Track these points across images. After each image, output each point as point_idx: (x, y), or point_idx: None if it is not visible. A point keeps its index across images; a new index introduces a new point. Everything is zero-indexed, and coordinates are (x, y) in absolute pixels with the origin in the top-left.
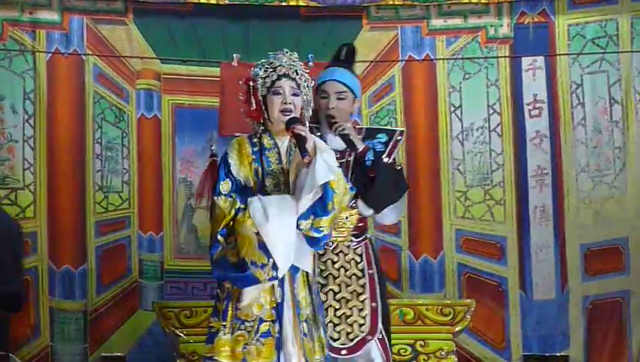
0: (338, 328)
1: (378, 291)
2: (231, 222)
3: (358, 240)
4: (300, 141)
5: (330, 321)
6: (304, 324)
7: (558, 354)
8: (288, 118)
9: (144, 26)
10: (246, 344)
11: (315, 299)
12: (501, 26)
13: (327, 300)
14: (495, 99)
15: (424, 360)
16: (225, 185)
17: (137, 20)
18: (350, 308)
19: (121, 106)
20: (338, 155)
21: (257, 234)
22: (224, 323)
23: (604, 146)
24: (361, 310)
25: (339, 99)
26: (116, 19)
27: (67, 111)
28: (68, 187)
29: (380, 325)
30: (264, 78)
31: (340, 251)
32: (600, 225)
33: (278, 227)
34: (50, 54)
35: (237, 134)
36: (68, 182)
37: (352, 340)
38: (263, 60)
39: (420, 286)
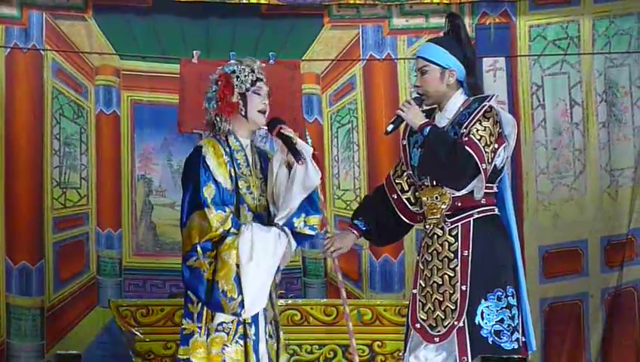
0: (434, 315)
1: (469, 274)
2: (215, 239)
3: (452, 220)
4: (288, 143)
5: (429, 308)
6: (269, 326)
7: (515, 356)
8: (273, 118)
9: (104, 22)
10: (225, 345)
11: (275, 302)
12: None
13: (425, 286)
14: None
15: (381, 360)
16: (209, 190)
17: (97, 16)
18: (441, 293)
19: (79, 102)
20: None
21: (238, 266)
22: (199, 325)
23: (564, 148)
24: (452, 294)
25: (421, 74)
26: (76, 15)
27: (25, 106)
28: (25, 182)
29: (465, 311)
30: (246, 75)
31: (434, 234)
32: (559, 227)
33: (258, 268)
34: (8, 49)
35: (196, 131)
36: (25, 178)
37: (445, 326)
38: (236, 60)
39: (381, 286)
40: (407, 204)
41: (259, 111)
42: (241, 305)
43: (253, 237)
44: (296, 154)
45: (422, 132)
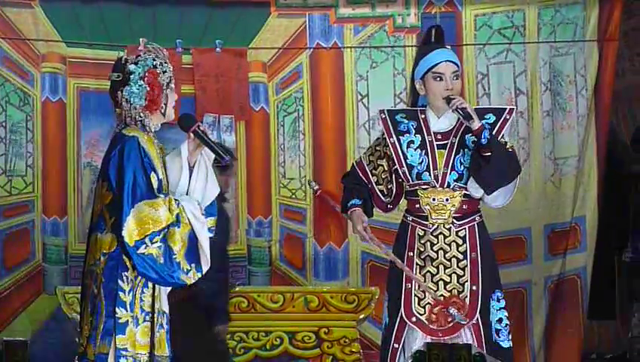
0: (435, 310)
1: (480, 275)
2: (167, 226)
3: (460, 222)
4: (208, 143)
5: (428, 303)
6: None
7: (460, 343)
8: (185, 114)
9: (50, 9)
10: (152, 335)
11: None
12: (408, 15)
13: (425, 282)
14: (402, 88)
15: (328, 347)
16: (154, 179)
17: (43, 3)
18: (449, 291)
19: (25, 89)
20: (440, 137)
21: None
22: (132, 314)
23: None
24: (460, 292)
25: (455, 78)
26: (22, 2)
27: None
28: None
29: (478, 309)
30: (165, 70)
31: (440, 233)
32: (503, 215)
33: (204, 229)
34: None
35: None
36: None
37: (449, 322)
38: (151, 48)
39: (325, 274)
40: (380, 195)
41: (172, 108)
42: (199, 269)
43: (191, 206)
44: (222, 156)
45: (482, 134)
